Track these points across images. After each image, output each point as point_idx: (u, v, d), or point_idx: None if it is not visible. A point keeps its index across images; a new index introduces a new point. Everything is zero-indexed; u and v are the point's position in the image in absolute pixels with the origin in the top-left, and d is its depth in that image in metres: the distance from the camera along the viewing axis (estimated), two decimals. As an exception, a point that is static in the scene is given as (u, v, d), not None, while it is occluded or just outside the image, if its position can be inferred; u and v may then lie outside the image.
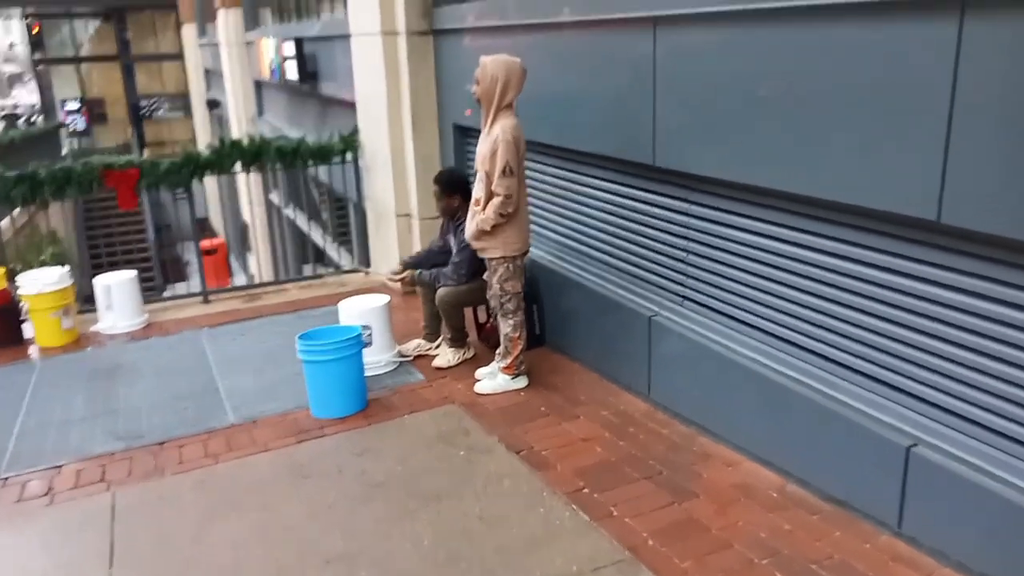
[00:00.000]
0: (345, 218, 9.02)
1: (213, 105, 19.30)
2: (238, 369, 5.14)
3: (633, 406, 4.23)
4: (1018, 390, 2.61)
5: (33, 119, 24.95)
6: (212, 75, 19.32)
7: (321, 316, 6.10)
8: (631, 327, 4.25)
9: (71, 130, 25.90)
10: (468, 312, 5.13)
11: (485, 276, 4.61)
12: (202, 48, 20.25)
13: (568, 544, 3.06)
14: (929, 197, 2.63)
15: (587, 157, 4.55)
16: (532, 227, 4.56)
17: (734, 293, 3.71)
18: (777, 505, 3.25)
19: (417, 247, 6.52)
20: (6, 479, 3.91)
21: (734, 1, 3.23)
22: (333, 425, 4.25)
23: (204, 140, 20.73)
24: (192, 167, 6.50)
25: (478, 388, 4.55)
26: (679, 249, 3.98)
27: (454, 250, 4.86)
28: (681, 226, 3.94)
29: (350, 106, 8.20)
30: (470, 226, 4.28)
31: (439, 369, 4.93)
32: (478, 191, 4.21)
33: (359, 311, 4.90)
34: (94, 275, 6.38)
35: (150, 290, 9.82)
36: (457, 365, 4.95)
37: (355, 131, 7.18)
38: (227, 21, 14.35)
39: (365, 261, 7.53)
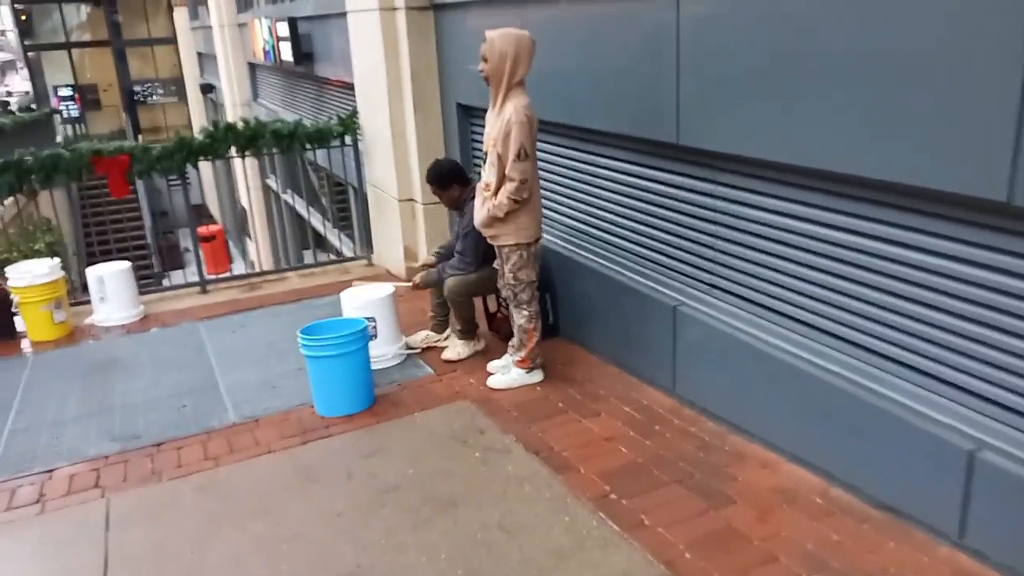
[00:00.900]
0: (345, 203, 8.76)
1: (207, 89, 18.99)
2: (239, 363, 4.91)
3: (657, 401, 4.00)
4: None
5: (32, 106, 24.56)
6: (205, 59, 18.99)
7: (324, 306, 5.87)
8: (653, 317, 4.00)
9: (65, 116, 25.55)
10: (477, 301, 4.89)
11: (496, 264, 4.37)
12: (194, 31, 19.89)
13: (598, 557, 2.82)
14: (998, 176, 2.37)
15: (603, 136, 4.29)
16: (543, 211, 4.29)
17: (768, 281, 3.46)
18: (822, 512, 3.01)
19: (422, 233, 6.28)
20: (-6, 486, 3.69)
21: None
22: (339, 424, 4.02)
23: (199, 125, 20.38)
24: (185, 152, 6.23)
25: (491, 383, 4.31)
26: (706, 234, 3.73)
27: (459, 233, 4.61)
28: (708, 209, 3.68)
29: (348, 87, 7.93)
30: (480, 212, 4.02)
31: (449, 362, 4.69)
32: (488, 175, 3.95)
33: (362, 302, 4.66)
34: (90, 263, 6.14)
35: (148, 278, 9.61)
36: (468, 358, 4.71)
37: (354, 113, 6.91)
38: (219, 3, 14.01)
39: (368, 248, 7.28)
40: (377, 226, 6.99)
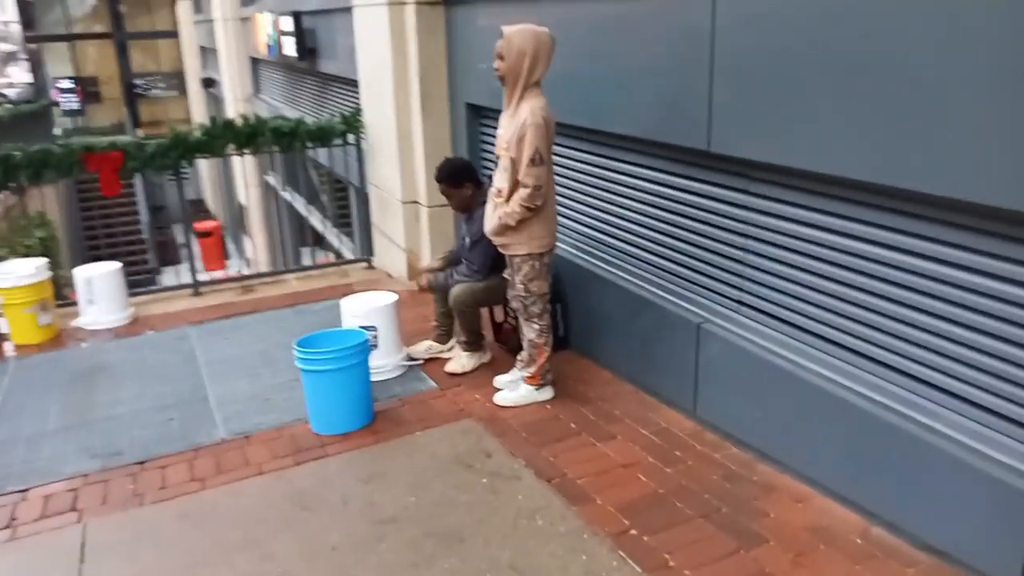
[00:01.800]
0: (346, 204, 8.49)
1: (208, 84, 18.73)
2: (230, 373, 4.64)
3: (676, 424, 3.73)
4: None
5: (30, 100, 24.29)
6: (207, 53, 18.72)
7: (322, 311, 5.62)
8: (675, 334, 3.74)
9: (65, 109, 25.28)
10: (484, 311, 4.62)
11: (506, 273, 4.10)
12: (197, 25, 19.62)
13: (620, 605, 2.57)
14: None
15: (625, 141, 4.01)
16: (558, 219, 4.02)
17: (802, 299, 3.20)
18: (863, 554, 2.75)
19: (426, 236, 6.01)
20: (-37, 507, 3.42)
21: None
22: (336, 443, 3.75)
23: (200, 119, 20.15)
24: (181, 149, 5.97)
25: (498, 399, 4.05)
26: (735, 247, 3.46)
27: (467, 243, 4.34)
28: (739, 221, 3.42)
29: (352, 84, 7.66)
30: (491, 220, 3.75)
31: (453, 375, 4.43)
32: (500, 180, 3.68)
33: (364, 311, 4.39)
34: (86, 258, 5.88)
35: (145, 273, 9.38)
36: (473, 371, 4.45)
37: (358, 111, 6.65)
38: (222, -5, 13.76)
39: (368, 250, 7.01)
40: (379, 228, 6.72)
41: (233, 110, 13.71)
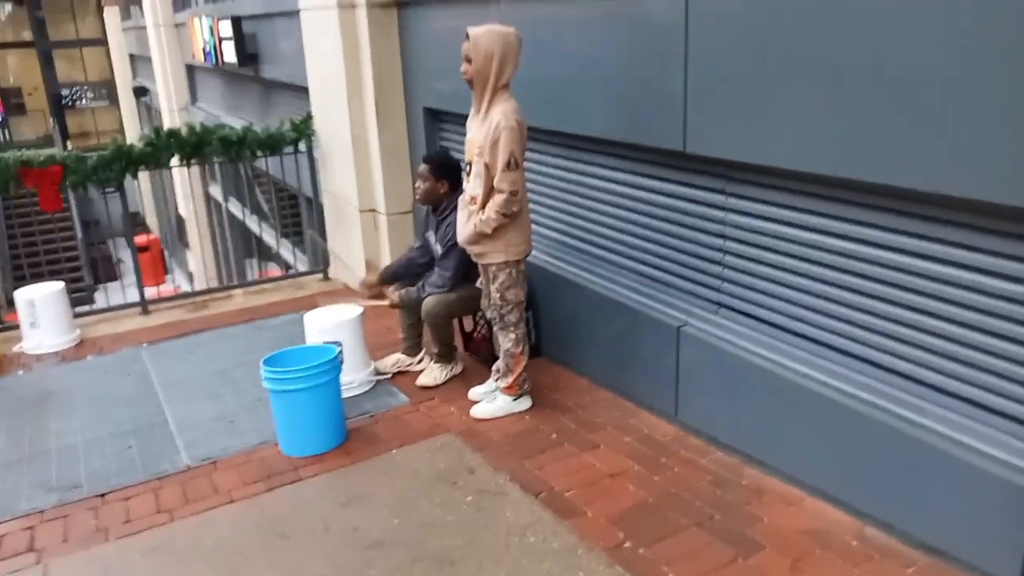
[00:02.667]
0: (297, 215, 8.28)
1: (141, 93, 18.17)
2: (189, 395, 4.44)
3: (659, 430, 3.68)
4: None
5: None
6: (139, 60, 18.18)
7: (280, 326, 5.44)
8: (654, 338, 3.69)
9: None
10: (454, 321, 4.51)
11: (478, 283, 4.01)
12: (126, 32, 19.01)
13: (625, 623, 2.49)
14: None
15: (596, 143, 3.95)
16: (528, 224, 3.94)
17: (782, 299, 3.18)
18: (860, 556, 2.73)
19: (385, 245, 5.86)
20: (-93, 553, 3.17)
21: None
22: (309, 465, 3.60)
23: (133, 130, 19.56)
24: (124, 162, 5.71)
25: (475, 412, 3.94)
26: (714, 249, 3.43)
27: (438, 251, 4.23)
28: (716, 222, 3.38)
29: (297, 90, 7.48)
30: (466, 228, 3.64)
31: (425, 388, 4.31)
32: (474, 187, 3.58)
33: (328, 324, 4.23)
34: (16, 279, 5.58)
35: (79, 292, 8.93)
36: (445, 383, 4.34)
37: (308, 118, 6.47)
38: (155, 2, 13.33)
39: (323, 261, 6.82)
40: (335, 238, 6.55)
41: (169, 119, 13.32)
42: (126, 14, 18.73)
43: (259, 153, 6.30)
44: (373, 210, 5.86)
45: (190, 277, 14.97)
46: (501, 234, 3.57)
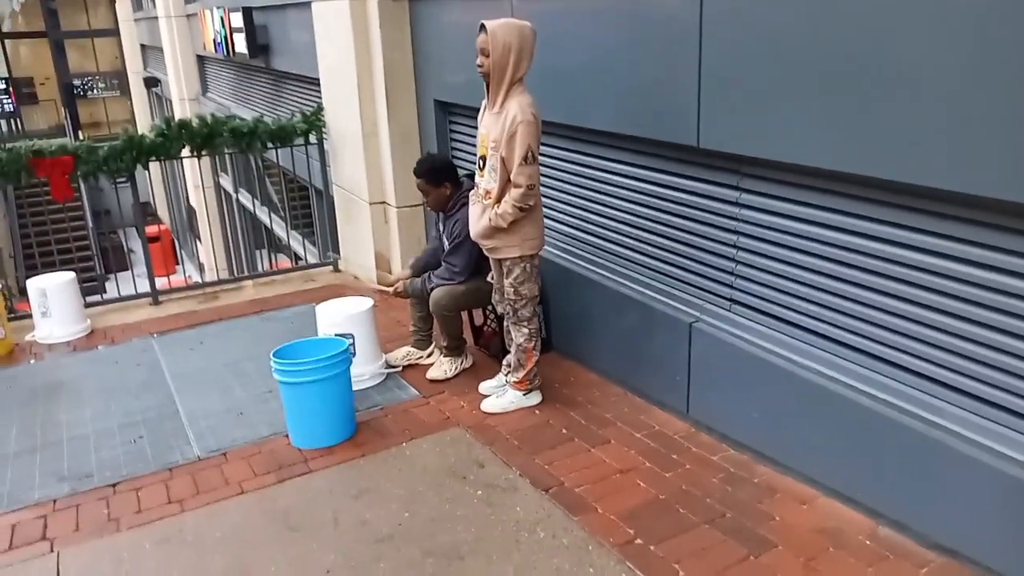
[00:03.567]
0: (308, 206, 8.27)
1: (152, 83, 18.17)
2: (200, 386, 4.44)
3: (670, 426, 3.66)
4: None
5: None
6: (150, 51, 18.18)
7: (291, 318, 5.44)
8: (666, 334, 3.67)
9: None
10: (464, 314, 4.50)
11: (489, 277, 3.99)
12: (138, 22, 19.01)
13: (636, 620, 2.48)
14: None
15: (608, 138, 3.93)
16: (541, 219, 3.91)
17: (797, 296, 3.15)
18: (874, 555, 2.71)
19: (395, 239, 5.86)
20: (-80, 541, 3.19)
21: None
22: (319, 457, 3.60)
23: (144, 120, 19.57)
24: (135, 152, 5.71)
25: (485, 406, 3.94)
26: (727, 245, 3.40)
27: (445, 246, 4.21)
28: (730, 217, 3.36)
29: (308, 82, 7.48)
30: (480, 222, 3.62)
31: (435, 381, 4.30)
32: (489, 181, 3.56)
33: (341, 318, 4.23)
34: (28, 267, 5.60)
35: (90, 281, 8.93)
36: (455, 376, 4.33)
37: (319, 109, 6.45)
38: (166, -9, 13.32)
39: (333, 253, 6.82)
40: (344, 230, 6.54)
41: (180, 110, 13.32)
42: (138, 4, 18.72)
43: (269, 145, 6.30)
44: (384, 202, 5.85)
45: (201, 268, 15.00)
46: (517, 228, 3.56)
